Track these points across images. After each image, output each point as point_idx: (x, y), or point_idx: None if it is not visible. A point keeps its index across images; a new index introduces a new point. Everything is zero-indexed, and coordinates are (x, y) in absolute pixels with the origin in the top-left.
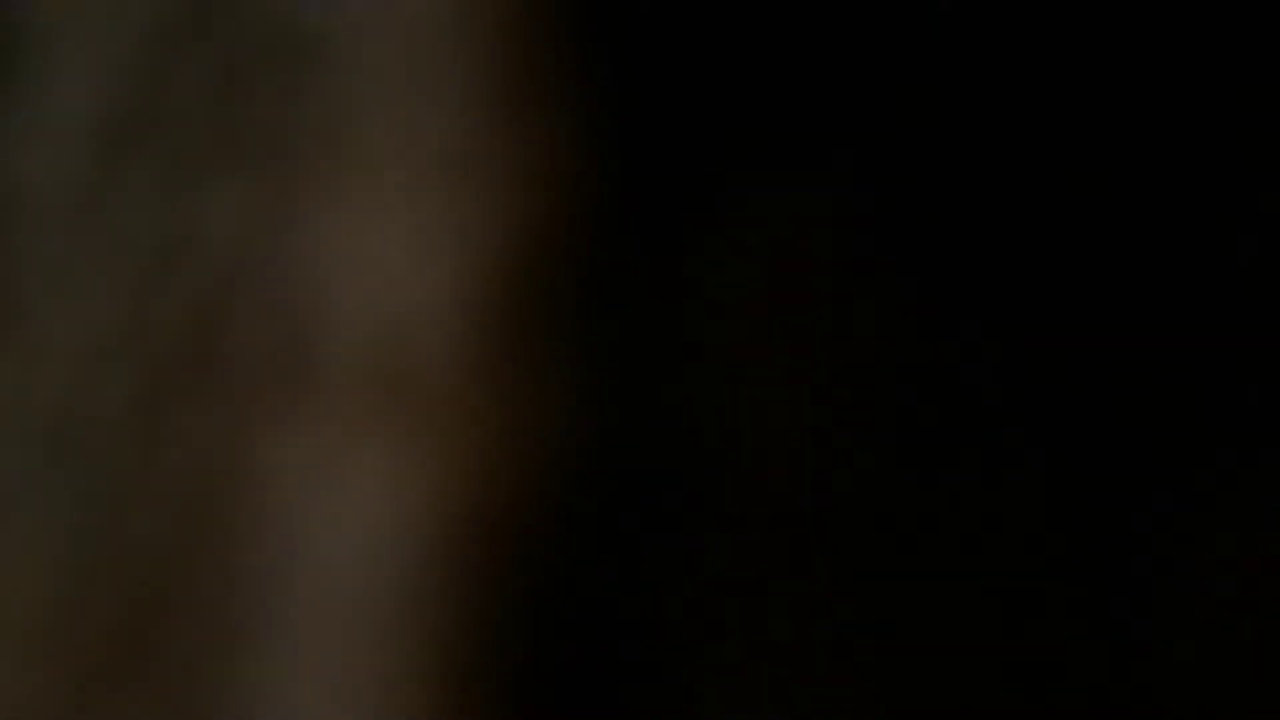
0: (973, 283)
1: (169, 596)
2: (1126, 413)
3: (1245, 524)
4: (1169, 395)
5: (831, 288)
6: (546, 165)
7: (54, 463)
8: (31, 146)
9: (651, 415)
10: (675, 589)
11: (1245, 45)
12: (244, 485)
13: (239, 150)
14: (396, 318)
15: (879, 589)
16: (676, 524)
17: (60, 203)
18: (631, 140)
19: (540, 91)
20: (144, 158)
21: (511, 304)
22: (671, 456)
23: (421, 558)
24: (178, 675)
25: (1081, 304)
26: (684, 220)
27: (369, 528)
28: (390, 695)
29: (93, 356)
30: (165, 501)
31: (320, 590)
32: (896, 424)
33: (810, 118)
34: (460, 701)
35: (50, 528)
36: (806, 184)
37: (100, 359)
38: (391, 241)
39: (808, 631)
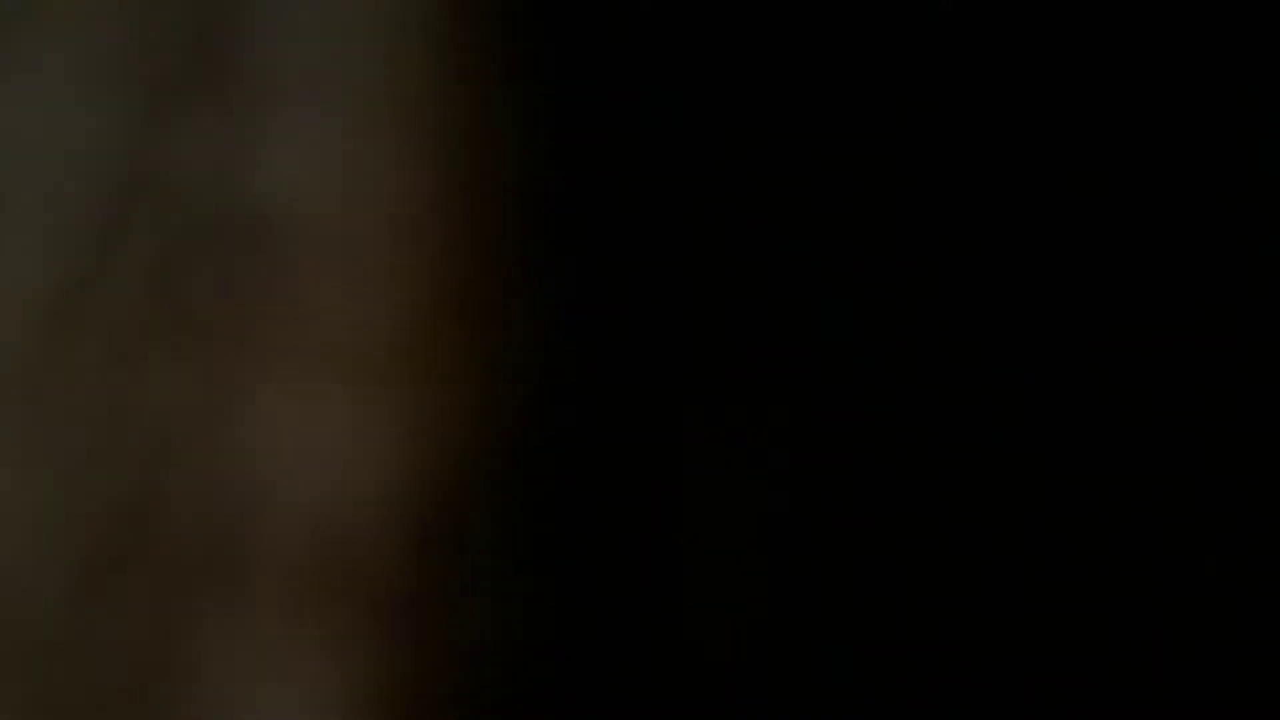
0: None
1: None
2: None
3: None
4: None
5: (790, 505)
6: (500, 360)
7: None
8: None
9: (606, 622)
10: None
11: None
12: (178, 677)
13: (181, 328)
14: (337, 508)
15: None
16: None
17: (3, 373)
18: (586, 340)
19: (496, 289)
20: (86, 332)
21: (457, 500)
22: (629, 672)
23: None
24: None
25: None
26: (638, 434)
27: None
28: None
29: (32, 535)
30: (98, 694)
31: None
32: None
33: (756, 349)
34: None
35: None
36: (760, 407)
37: (40, 537)
38: (334, 430)
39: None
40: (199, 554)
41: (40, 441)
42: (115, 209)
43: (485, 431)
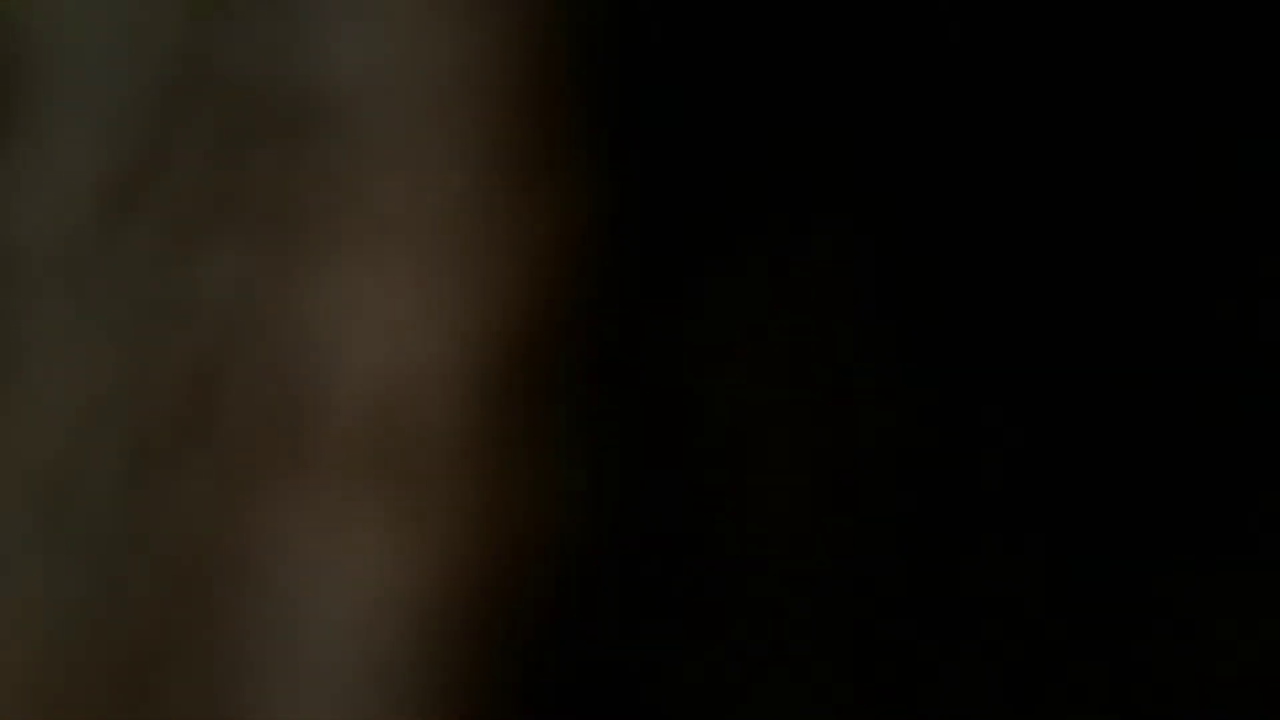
0: (980, 338)
1: (161, 661)
2: (1137, 495)
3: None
4: (1182, 470)
5: (838, 348)
6: (555, 230)
7: (48, 522)
8: (31, 203)
9: (656, 487)
10: (675, 668)
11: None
12: (238, 552)
13: (240, 211)
14: (397, 383)
15: (885, 666)
16: (678, 600)
17: (59, 260)
18: (640, 203)
19: (550, 154)
20: (144, 216)
21: (515, 372)
22: (675, 530)
23: (415, 629)
24: None
25: (1094, 369)
26: (692, 283)
27: (362, 597)
28: None
29: (88, 416)
30: (159, 565)
31: (311, 658)
32: (905, 493)
33: (810, 172)
34: None
35: (43, 588)
36: (808, 242)
37: (96, 419)
38: (394, 305)
39: (812, 709)
40: (259, 429)
41: (101, 324)
42: (168, 97)
43: (548, 297)
